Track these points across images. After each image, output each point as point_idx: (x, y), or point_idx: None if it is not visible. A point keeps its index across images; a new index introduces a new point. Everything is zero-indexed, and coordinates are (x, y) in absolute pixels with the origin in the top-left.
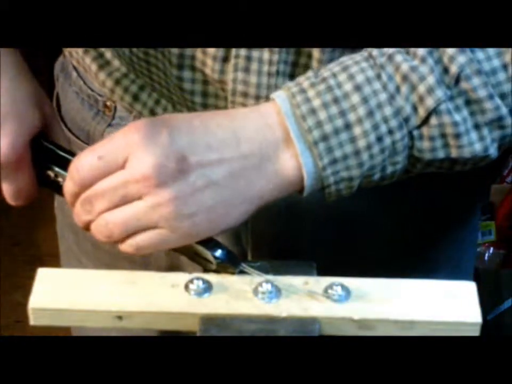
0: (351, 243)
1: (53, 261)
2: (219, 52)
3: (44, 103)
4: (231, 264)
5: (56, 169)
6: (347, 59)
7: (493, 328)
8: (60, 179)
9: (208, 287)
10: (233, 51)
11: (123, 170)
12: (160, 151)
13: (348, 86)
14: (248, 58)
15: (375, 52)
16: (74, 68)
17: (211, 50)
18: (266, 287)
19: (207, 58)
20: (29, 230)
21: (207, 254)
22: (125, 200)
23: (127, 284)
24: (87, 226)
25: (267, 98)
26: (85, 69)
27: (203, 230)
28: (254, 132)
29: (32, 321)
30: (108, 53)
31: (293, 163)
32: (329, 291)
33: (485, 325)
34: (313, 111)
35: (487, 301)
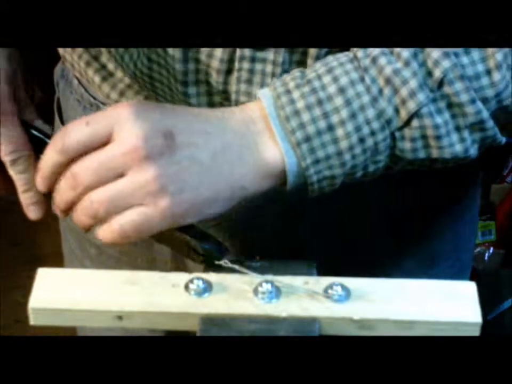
0: (350, 242)
1: (53, 261)
2: (222, 65)
3: (18, 86)
4: (218, 255)
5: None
6: (332, 59)
7: (493, 328)
8: None
9: (208, 287)
10: (236, 64)
11: (110, 144)
12: (149, 125)
13: (332, 89)
14: (251, 71)
15: (360, 53)
16: (75, 76)
17: (215, 64)
18: (266, 287)
19: (211, 70)
20: (29, 230)
21: (195, 244)
22: (111, 175)
23: (127, 284)
24: (69, 207)
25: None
26: (88, 81)
27: (188, 212)
28: (238, 124)
29: (32, 321)
30: (111, 64)
31: (275, 158)
32: (329, 291)
33: (485, 325)
34: (296, 113)
35: (487, 301)
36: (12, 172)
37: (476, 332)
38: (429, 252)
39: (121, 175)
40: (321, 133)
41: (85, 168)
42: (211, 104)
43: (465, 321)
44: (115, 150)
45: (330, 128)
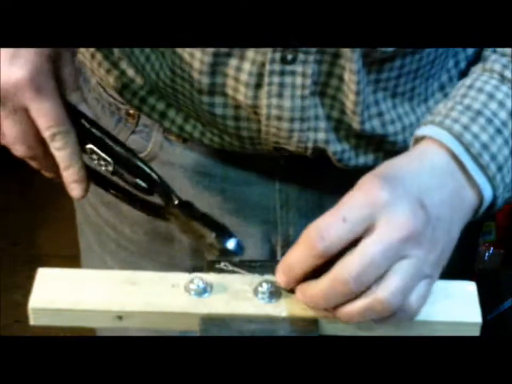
0: None
1: (53, 261)
2: (251, 79)
3: (60, 66)
4: (234, 253)
5: (90, 145)
6: (482, 84)
7: (493, 328)
8: (94, 156)
9: (208, 287)
10: (266, 79)
11: (377, 234)
12: (406, 203)
13: (503, 114)
14: (281, 85)
15: (506, 72)
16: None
17: (243, 78)
18: (266, 287)
19: (239, 85)
20: (29, 230)
21: (215, 238)
22: (390, 266)
23: (127, 284)
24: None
25: (421, 138)
26: (108, 86)
27: (442, 264)
28: (445, 169)
29: (32, 321)
30: (130, 71)
31: (473, 195)
32: None
33: (485, 325)
34: (485, 146)
35: (487, 301)
36: (51, 148)
37: (476, 332)
38: None
39: (400, 259)
40: (507, 160)
41: (367, 269)
42: (237, 117)
43: (465, 321)
44: (390, 238)
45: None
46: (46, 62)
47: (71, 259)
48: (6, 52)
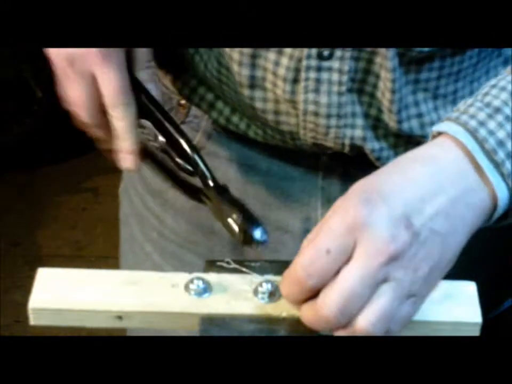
0: None
1: (53, 261)
2: (289, 74)
3: None
4: (258, 243)
5: (144, 120)
6: (505, 83)
7: (493, 328)
8: (145, 131)
9: (208, 287)
10: (303, 74)
11: (359, 259)
12: (388, 224)
13: None
14: (318, 80)
15: None
16: None
17: (281, 72)
18: (266, 287)
19: (278, 79)
20: (29, 230)
21: (242, 226)
22: (372, 291)
23: (127, 284)
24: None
25: (437, 134)
26: (162, 76)
27: (435, 279)
28: (451, 172)
29: (32, 321)
30: (183, 61)
31: (487, 193)
32: None
33: (485, 325)
34: (501, 143)
35: (487, 301)
36: (111, 117)
37: (476, 332)
38: None
39: (382, 282)
40: None
41: (351, 298)
42: (277, 112)
43: (465, 321)
44: (368, 266)
45: None
46: None
47: (71, 259)
48: None
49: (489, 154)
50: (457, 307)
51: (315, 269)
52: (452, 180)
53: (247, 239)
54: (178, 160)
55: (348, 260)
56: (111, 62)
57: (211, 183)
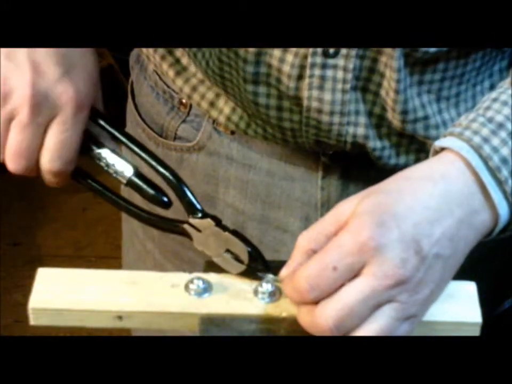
0: None
1: (53, 261)
2: (294, 70)
3: (98, 87)
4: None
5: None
6: (507, 97)
7: (493, 328)
8: (105, 162)
9: (208, 287)
10: (308, 71)
11: (367, 280)
12: (398, 249)
13: None
14: (323, 78)
15: None
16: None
17: (286, 69)
18: (266, 287)
19: (282, 76)
20: (29, 230)
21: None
22: (372, 311)
23: (127, 284)
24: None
25: (440, 149)
26: (163, 73)
27: (433, 300)
28: (459, 193)
29: (32, 321)
30: (184, 59)
31: (489, 212)
32: None
33: (485, 325)
34: (505, 161)
35: (487, 301)
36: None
37: (476, 332)
38: None
39: (384, 303)
40: None
41: (349, 314)
42: (280, 108)
43: (465, 321)
44: (374, 288)
45: None
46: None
47: (71, 259)
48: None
49: (493, 172)
50: (457, 307)
51: (318, 283)
52: (459, 201)
53: (254, 274)
54: (151, 192)
55: (353, 277)
56: (84, 108)
57: (202, 213)
